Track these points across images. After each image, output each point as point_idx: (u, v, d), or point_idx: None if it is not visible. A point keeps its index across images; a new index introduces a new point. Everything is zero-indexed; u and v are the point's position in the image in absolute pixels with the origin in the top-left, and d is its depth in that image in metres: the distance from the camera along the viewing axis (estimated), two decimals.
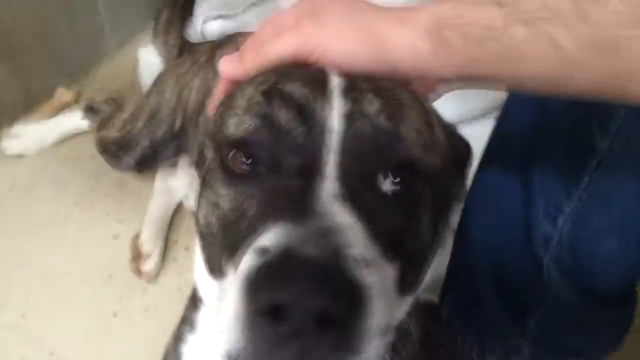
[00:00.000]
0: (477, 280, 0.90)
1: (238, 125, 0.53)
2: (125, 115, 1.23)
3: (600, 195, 0.70)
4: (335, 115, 0.51)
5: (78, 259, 1.29)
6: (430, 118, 0.59)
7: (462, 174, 0.72)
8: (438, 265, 0.99)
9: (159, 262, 1.27)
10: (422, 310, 0.72)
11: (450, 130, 0.65)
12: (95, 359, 1.17)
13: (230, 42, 1.15)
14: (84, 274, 1.26)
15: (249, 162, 0.51)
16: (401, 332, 0.54)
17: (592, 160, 0.69)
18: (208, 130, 0.60)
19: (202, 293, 0.72)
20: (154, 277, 1.26)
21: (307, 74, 0.55)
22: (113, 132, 1.23)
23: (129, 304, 1.23)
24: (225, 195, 0.52)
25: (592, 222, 0.71)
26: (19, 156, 1.43)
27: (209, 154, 0.58)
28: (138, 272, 1.24)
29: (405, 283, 0.53)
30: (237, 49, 0.62)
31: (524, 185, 0.78)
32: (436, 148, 0.57)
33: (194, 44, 1.38)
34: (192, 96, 1.15)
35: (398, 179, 0.51)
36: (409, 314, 0.62)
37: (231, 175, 0.52)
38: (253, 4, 1.48)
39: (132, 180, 1.41)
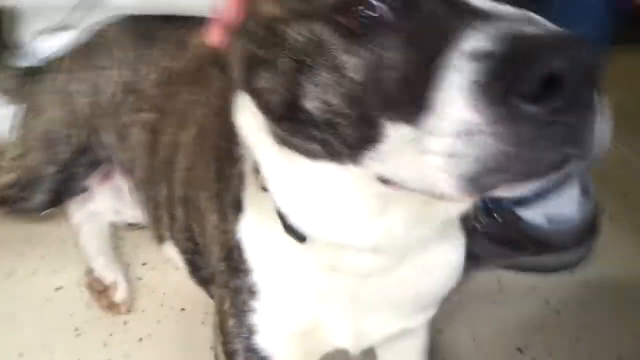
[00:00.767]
0: None
1: None
2: (11, 154, 1.05)
3: None
4: None
5: (34, 332, 1.08)
6: None
7: None
8: None
9: (127, 286, 1.12)
10: None
11: None
12: None
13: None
14: (46, 346, 1.06)
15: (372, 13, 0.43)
16: None
17: None
18: (287, 15, 0.49)
19: (254, 253, 0.68)
20: (131, 303, 1.11)
21: None
22: (5, 177, 1.04)
23: (117, 345, 1.07)
24: (353, 61, 0.44)
25: None
26: None
27: (300, 36, 0.47)
28: (112, 306, 1.08)
29: None
30: None
31: None
32: None
33: (38, 67, 1.16)
34: (83, 101, 1.04)
35: None
36: None
37: (354, 36, 0.44)
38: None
39: (36, 229, 1.25)
